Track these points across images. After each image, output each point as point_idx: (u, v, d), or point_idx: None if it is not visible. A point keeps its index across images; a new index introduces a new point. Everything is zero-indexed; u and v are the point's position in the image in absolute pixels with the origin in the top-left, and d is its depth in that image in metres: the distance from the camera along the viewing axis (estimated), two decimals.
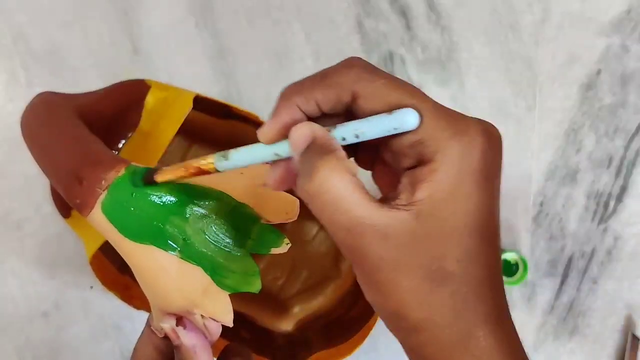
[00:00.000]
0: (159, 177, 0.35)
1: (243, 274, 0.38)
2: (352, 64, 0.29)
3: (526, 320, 0.69)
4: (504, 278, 0.66)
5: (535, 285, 0.69)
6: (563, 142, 0.68)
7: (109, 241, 0.37)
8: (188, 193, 0.36)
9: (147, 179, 0.35)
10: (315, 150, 0.28)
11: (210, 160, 0.33)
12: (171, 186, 0.36)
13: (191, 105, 0.48)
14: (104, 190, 0.35)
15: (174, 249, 0.36)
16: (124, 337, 0.67)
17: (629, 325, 0.69)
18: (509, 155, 0.68)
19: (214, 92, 0.67)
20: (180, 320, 0.37)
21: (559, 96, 0.68)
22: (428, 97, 0.29)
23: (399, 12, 0.68)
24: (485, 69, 0.68)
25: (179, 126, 0.47)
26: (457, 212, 0.28)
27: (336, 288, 0.61)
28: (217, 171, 0.33)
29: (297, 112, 0.29)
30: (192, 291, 0.37)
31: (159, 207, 0.36)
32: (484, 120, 0.30)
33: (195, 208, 0.37)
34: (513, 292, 0.68)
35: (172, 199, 0.36)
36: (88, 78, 0.67)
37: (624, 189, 0.69)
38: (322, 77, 0.29)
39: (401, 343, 0.31)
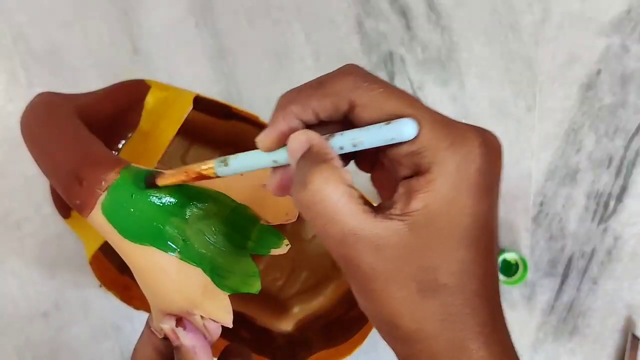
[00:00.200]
0: (160, 181, 0.35)
1: (243, 275, 0.38)
2: (349, 71, 0.29)
3: (526, 320, 0.69)
4: (504, 278, 0.66)
5: (535, 285, 0.69)
6: (563, 142, 0.68)
7: (109, 242, 0.37)
8: (188, 194, 0.36)
9: (149, 182, 0.36)
10: (311, 158, 0.28)
11: (210, 166, 0.33)
12: (171, 187, 0.36)
13: (191, 105, 0.48)
14: (103, 191, 0.35)
15: (173, 250, 0.36)
16: (123, 337, 0.67)
17: (629, 325, 0.69)
18: (509, 155, 0.68)
19: (214, 92, 0.67)
20: (180, 321, 0.37)
21: (559, 96, 0.68)
22: (426, 106, 0.28)
23: (399, 12, 0.68)
24: (485, 69, 0.68)
25: (179, 126, 0.47)
26: (452, 225, 0.28)
27: (336, 288, 0.61)
28: (218, 176, 0.33)
29: (294, 120, 0.29)
30: (192, 292, 0.37)
31: (158, 208, 0.36)
32: (483, 129, 0.29)
33: (195, 209, 0.37)
34: (513, 292, 0.68)
35: (172, 200, 0.36)
36: (88, 78, 0.67)
37: (624, 189, 0.69)
38: (318, 85, 0.29)
39: (395, 352, 0.31)
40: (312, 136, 0.28)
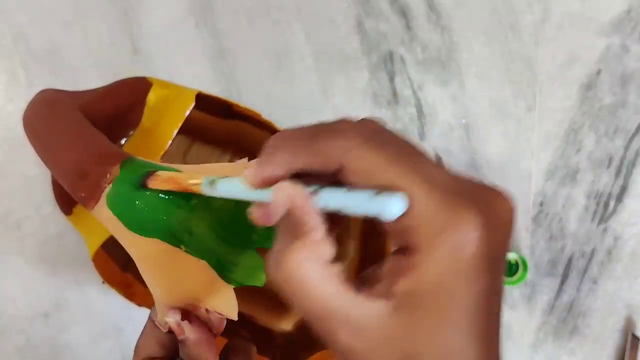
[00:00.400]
0: (152, 184, 0.35)
1: (248, 268, 0.38)
2: (345, 129, 0.26)
3: (526, 320, 0.69)
4: (505, 278, 0.66)
5: (535, 285, 0.69)
6: (563, 142, 0.68)
7: (114, 235, 0.37)
8: None
9: (142, 183, 0.35)
10: (289, 228, 0.27)
11: (198, 182, 0.33)
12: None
13: (193, 102, 0.47)
14: (108, 184, 0.35)
15: (179, 243, 0.36)
16: (124, 337, 0.67)
17: (629, 325, 0.69)
18: (509, 155, 0.68)
19: (214, 92, 0.67)
20: (185, 314, 0.37)
21: (559, 96, 0.68)
22: (428, 176, 0.25)
23: (399, 12, 0.68)
24: (485, 69, 0.68)
25: (180, 123, 0.47)
26: (440, 310, 0.25)
27: None
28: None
29: (283, 166, 0.27)
30: (197, 285, 0.37)
31: (164, 201, 0.36)
32: (492, 196, 0.26)
33: (200, 201, 0.37)
34: (513, 292, 0.69)
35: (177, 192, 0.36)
36: (88, 78, 0.67)
37: (624, 189, 0.69)
38: (311, 138, 0.27)
39: None
40: (296, 194, 0.26)
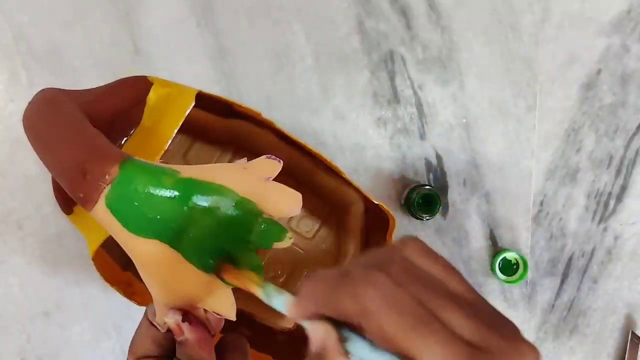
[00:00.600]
0: (225, 275, 0.37)
1: (246, 269, 0.38)
2: (365, 282, 0.28)
3: (526, 319, 0.69)
4: (504, 277, 0.66)
5: (535, 284, 0.69)
6: (563, 142, 0.69)
7: (113, 235, 0.37)
8: (191, 187, 0.36)
9: (217, 269, 0.37)
10: None
11: (258, 290, 0.35)
12: (175, 181, 0.36)
13: (193, 101, 0.47)
14: (107, 185, 0.35)
15: (177, 244, 0.36)
16: (124, 336, 0.67)
17: (629, 324, 0.69)
18: (509, 155, 0.68)
19: (214, 92, 0.67)
20: (185, 315, 0.37)
21: (559, 96, 0.68)
22: (445, 340, 0.26)
23: (400, 11, 0.68)
24: (485, 68, 0.68)
25: (181, 123, 0.47)
26: None
27: None
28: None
29: (315, 313, 0.29)
30: (195, 286, 0.37)
31: (162, 201, 0.36)
32: (515, 357, 0.27)
33: (199, 202, 0.37)
34: (513, 291, 0.69)
35: (176, 193, 0.36)
36: (89, 78, 0.67)
37: (624, 189, 0.69)
38: (332, 294, 0.29)
39: None
40: (328, 337, 0.29)
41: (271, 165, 0.39)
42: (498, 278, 0.66)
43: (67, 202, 0.49)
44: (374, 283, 0.27)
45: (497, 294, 0.69)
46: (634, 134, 0.69)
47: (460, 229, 0.68)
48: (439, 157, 0.68)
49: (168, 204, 0.36)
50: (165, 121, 0.47)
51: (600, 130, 0.69)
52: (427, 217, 0.64)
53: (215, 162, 0.61)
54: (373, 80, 0.68)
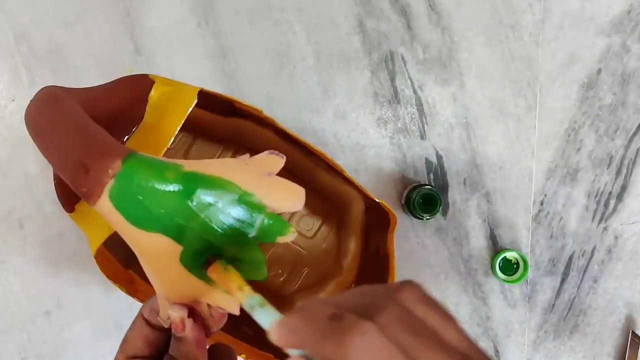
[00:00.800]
0: (210, 271, 0.36)
1: (249, 263, 0.38)
2: (367, 333, 0.27)
3: (526, 318, 0.69)
4: (505, 277, 0.66)
5: (535, 283, 0.69)
6: (563, 142, 0.69)
7: (117, 230, 0.37)
8: (195, 181, 0.37)
9: (205, 264, 0.37)
10: None
11: (243, 298, 0.34)
12: (178, 175, 0.36)
13: (195, 99, 0.48)
14: (110, 179, 0.35)
15: (180, 238, 0.36)
16: None
17: (629, 323, 0.69)
18: (510, 155, 0.68)
19: (215, 91, 0.67)
20: (190, 311, 0.37)
21: (559, 96, 0.68)
22: None
23: (400, 12, 0.68)
24: (485, 68, 0.68)
25: (183, 120, 0.47)
26: None
27: (338, 285, 0.61)
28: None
29: (298, 345, 0.29)
30: (199, 280, 0.37)
31: (166, 195, 0.36)
32: None
33: (202, 196, 0.37)
34: (514, 290, 0.69)
35: (179, 187, 0.36)
36: (90, 78, 0.67)
37: (624, 188, 0.69)
38: (321, 341, 0.28)
39: None
40: None
41: (274, 161, 0.39)
42: (498, 278, 0.67)
43: (69, 200, 0.49)
44: (362, 334, 0.27)
45: (498, 294, 0.69)
46: (634, 134, 0.69)
47: (461, 228, 0.68)
48: (439, 157, 0.68)
49: (171, 198, 0.36)
50: (167, 119, 0.47)
51: (601, 130, 0.69)
52: (428, 217, 0.64)
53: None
54: (373, 80, 0.68)
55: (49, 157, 0.38)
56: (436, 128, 0.68)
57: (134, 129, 0.48)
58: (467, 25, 0.68)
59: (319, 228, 0.63)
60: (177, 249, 0.36)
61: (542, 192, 0.69)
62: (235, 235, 0.38)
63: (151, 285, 0.50)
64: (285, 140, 0.57)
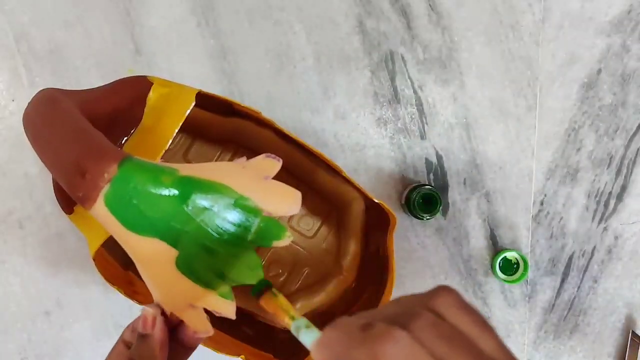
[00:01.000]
0: (262, 301, 0.37)
1: (245, 267, 0.38)
2: (399, 340, 0.27)
3: (527, 318, 0.69)
4: (505, 276, 0.66)
5: (535, 283, 0.69)
6: (563, 142, 0.69)
7: (112, 234, 0.37)
8: (191, 186, 0.36)
9: (258, 293, 0.37)
10: None
11: (289, 322, 0.35)
12: (174, 179, 0.36)
13: (194, 101, 0.48)
14: (106, 184, 0.35)
15: (176, 242, 0.36)
16: None
17: (629, 323, 0.69)
18: (510, 155, 0.68)
19: (215, 91, 0.67)
20: (164, 314, 0.37)
21: (559, 96, 0.68)
22: None
23: (400, 12, 0.68)
24: (485, 68, 0.68)
25: (181, 122, 0.47)
26: None
27: (338, 285, 0.61)
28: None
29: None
30: (193, 285, 0.37)
31: (161, 200, 0.36)
32: None
33: (198, 201, 0.37)
34: (514, 290, 0.69)
35: (175, 191, 0.36)
36: (90, 78, 0.67)
37: (624, 188, 0.69)
38: (359, 340, 0.28)
39: None
40: None
41: (270, 164, 0.39)
42: (498, 278, 0.66)
43: (68, 202, 0.49)
44: (395, 342, 0.26)
45: (498, 294, 0.69)
46: (634, 134, 0.69)
47: (461, 228, 0.68)
48: (439, 157, 0.68)
49: (167, 202, 0.36)
50: (166, 120, 0.47)
51: (601, 130, 0.69)
52: (428, 217, 0.64)
53: (215, 161, 0.61)
54: (373, 80, 0.68)
55: (45, 161, 0.38)
56: (436, 128, 0.68)
57: (132, 131, 0.48)
58: (467, 25, 0.68)
59: (319, 228, 0.63)
60: (173, 253, 0.36)
61: (542, 192, 0.69)
62: (231, 240, 0.38)
63: None
64: (284, 141, 0.57)
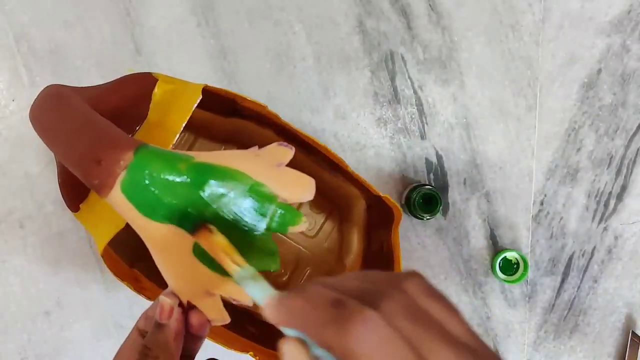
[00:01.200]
0: (197, 235, 0.36)
1: (262, 254, 0.38)
2: (370, 321, 0.26)
3: (527, 318, 0.69)
4: (505, 276, 0.66)
5: (535, 283, 0.69)
6: (563, 142, 0.69)
7: (129, 221, 0.37)
8: (206, 172, 0.37)
9: (194, 228, 0.36)
10: None
11: (234, 268, 0.34)
12: (189, 165, 0.36)
13: (200, 95, 0.48)
14: (122, 170, 0.35)
15: (192, 228, 0.36)
16: (125, 335, 0.67)
17: (629, 323, 0.69)
18: (510, 155, 0.68)
19: None
20: (182, 305, 0.37)
21: (559, 96, 0.68)
22: None
23: (400, 12, 0.68)
24: (485, 68, 0.68)
25: (188, 117, 0.47)
26: None
27: None
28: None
29: (295, 327, 0.29)
30: (209, 273, 0.37)
31: (178, 186, 0.36)
32: None
33: (214, 187, 0.37)
34: (514, 290, 0.69)
35: (191, 178, 0.36)
36: (90, 77, 0.67)
37: (624, 188, 0.69)
38: (322, 326, 0.27)
39: None
40: (300, 357, 0.28)
41: (283, 152, 0.39)
42: (498, 278, 0.67)
43: (73, 199, 0.49)
44: (366, 322, 0.26)
45: (498, 294, 0.69)
46: (634, 134, 0.69)
47: (461, 228, 0.68)
48: (439, 157, 0.68)
49: (183, 188, 0.36)
50: (172, 116, 0.47)
51: (601, 130, 0.69)
52: (428, 217, 0.64)
53: None
54: (374, 80, 0.68)
55: (59, 152, 0.38)
56: (436, 128, 0.68)
57: (137, 127, 0.48)
58: (467, 25, 0.68)
59: (321, 227, 0.63)
60: (190, 240, 0.36)
61: (542, 192, 0.69)
62: (247, 226, 0.38)
63: (156, 283, 0.50)
64: (285, 140, 0.57)
